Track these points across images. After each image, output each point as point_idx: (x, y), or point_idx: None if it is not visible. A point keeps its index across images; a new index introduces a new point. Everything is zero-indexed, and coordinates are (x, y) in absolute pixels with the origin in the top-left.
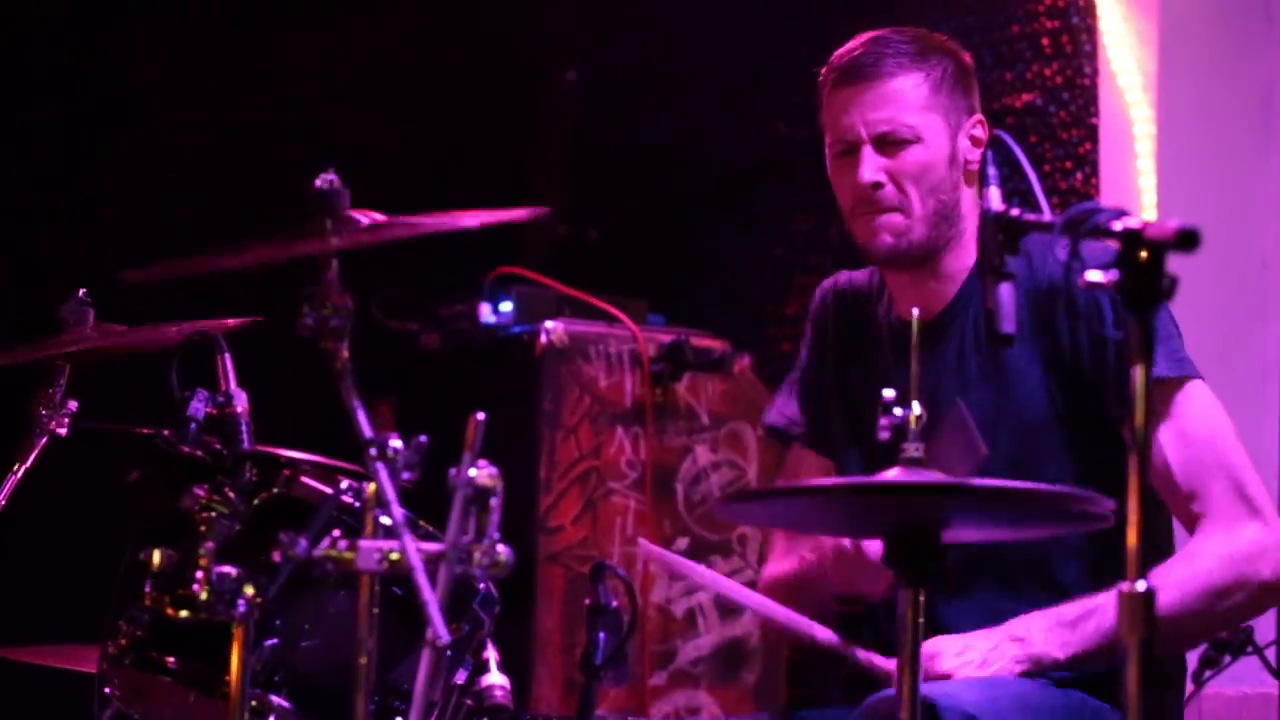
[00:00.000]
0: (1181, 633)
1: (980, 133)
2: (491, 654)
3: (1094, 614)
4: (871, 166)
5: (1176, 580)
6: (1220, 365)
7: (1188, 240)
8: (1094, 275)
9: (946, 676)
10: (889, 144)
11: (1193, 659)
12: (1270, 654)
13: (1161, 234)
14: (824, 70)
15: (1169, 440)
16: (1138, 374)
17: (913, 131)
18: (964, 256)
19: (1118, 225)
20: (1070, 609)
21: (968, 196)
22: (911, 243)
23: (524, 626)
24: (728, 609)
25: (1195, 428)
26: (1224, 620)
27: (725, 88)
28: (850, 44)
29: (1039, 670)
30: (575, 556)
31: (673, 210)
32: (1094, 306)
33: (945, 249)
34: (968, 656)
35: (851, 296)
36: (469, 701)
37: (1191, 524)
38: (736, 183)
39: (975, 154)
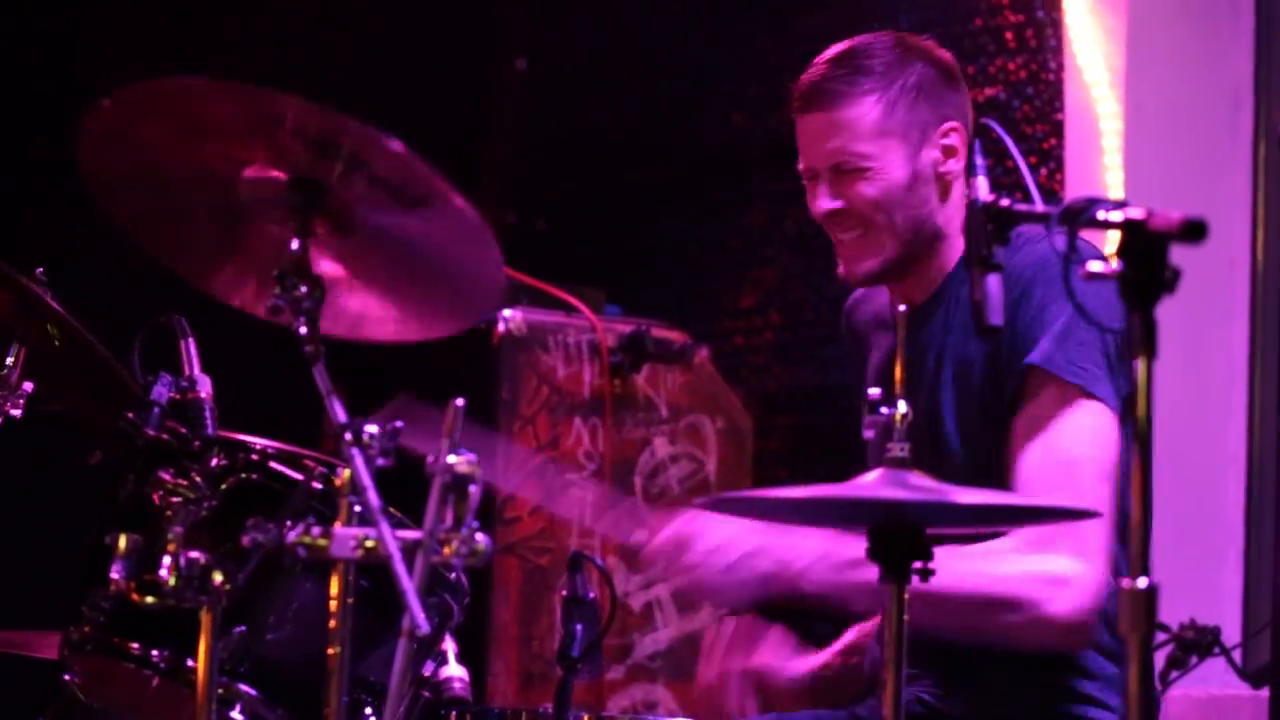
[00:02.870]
0: (940, 623)
1: (954, 140)
2: (449, 646)
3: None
4: (827, 196)
5: (972, 570)
6: (1188, 365)
7: (1194, 231)
8: (1095, 266)
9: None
10: (842, 173)
11: (1160, 659)
12: (1237, 655)
13: (1166, 225)
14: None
15: (1035, 444)
16: (1139, 367)
17: (863, 160)
18: (949, 252)
19: (1119, 216)
20: (850, 552)
21: (952, 202)
22: (887, 259)
23: (480, 618)
24: (685, 605)
25: (1068, 444)
26: (991, 635)
27: (680, 78)
28: (816, 61)
29: (776, 591)
30: (532, 548)
31: (625, 201)
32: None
33: (927, 251)
34: (716, 557)
35: (864, 300)
36: (426, 694)
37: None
38: (690, 174)
39: (951, 164)
